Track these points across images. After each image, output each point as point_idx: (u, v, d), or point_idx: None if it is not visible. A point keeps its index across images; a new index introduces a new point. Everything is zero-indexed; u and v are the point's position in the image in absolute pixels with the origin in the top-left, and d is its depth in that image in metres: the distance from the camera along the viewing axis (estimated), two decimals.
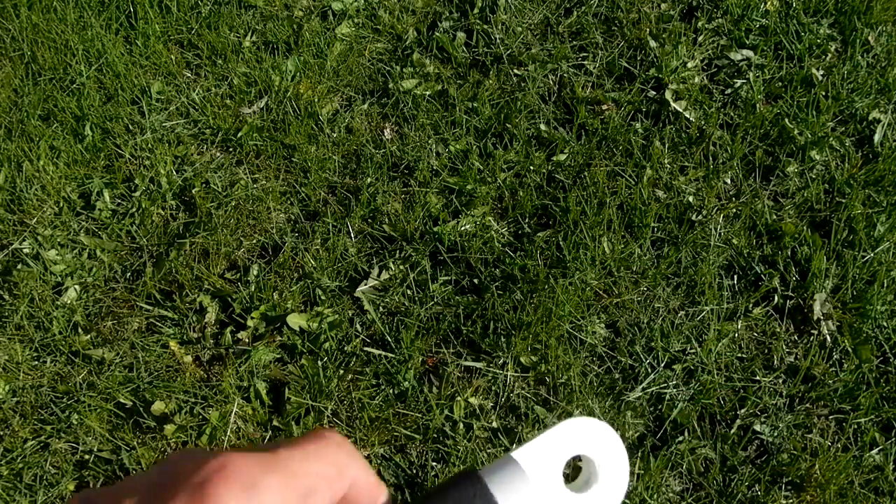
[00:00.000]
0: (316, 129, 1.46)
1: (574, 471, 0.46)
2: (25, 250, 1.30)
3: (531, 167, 1.40)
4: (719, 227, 1.33)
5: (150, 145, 1.43)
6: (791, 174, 1.41)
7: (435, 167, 1.40)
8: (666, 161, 1.42)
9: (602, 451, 0.44)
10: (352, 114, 1.49)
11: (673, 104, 1.48)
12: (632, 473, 1.07)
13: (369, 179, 1.38)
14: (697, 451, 1.10)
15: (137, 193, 1.36)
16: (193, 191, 1.36)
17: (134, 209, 1.35)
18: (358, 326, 1.22)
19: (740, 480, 1.07)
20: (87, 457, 1.10)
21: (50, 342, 1.20)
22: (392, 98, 1.50)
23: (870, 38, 1.59)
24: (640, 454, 1.08)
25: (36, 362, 1.19)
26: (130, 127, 1.45)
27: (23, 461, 1.09)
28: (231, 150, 1.44)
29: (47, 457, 1.10)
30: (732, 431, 1.12)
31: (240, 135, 1.43)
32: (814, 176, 1.40)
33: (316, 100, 1.48)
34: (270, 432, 1.11)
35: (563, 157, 1.42)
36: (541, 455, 0.44)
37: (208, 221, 1.33)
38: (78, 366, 1.18)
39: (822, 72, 1.55)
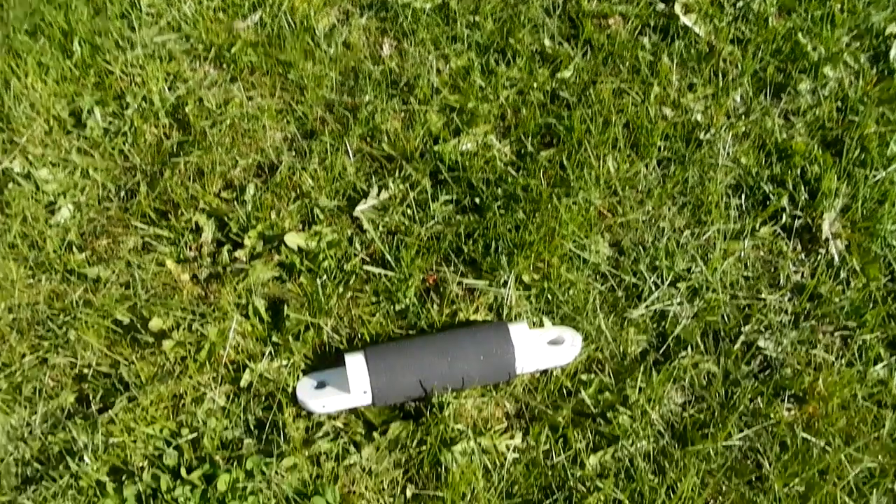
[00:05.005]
0: (312, 44, 1.41)
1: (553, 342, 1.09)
2: (16, 169, 1.27)
3: (535, 84, 1.35)
4: (727, 145, 1.30)
5: (140, 62, 1.38)
6: (803, 91, 1.36)
7: (435, 84, 1.36)
8: (674, 78, 1.37)
9: (568, 335, 1.10)
10: (349, 28, 1.43)
11: (682, 18, 1.42)
12: (633, 387, 1.06)
13: (368, 97, 1.34)
14: (700, 365, 1.09)
15: (129, 111, 1.32)
16: (187, 109, 1.32)
17: (126, 127, 1.31)
18: (357, 245, 1.20)
19: (742, 393, 1.06)
20: (85, 371, 1.09)
21: (44, 261, 1.19)
22: (391, 11, 1.44)
23: None
24: (642, 368, 1.08)
25: (31, 280, 1.17)
26: (120, 42, 1.40)
27: (21, 375, 1.08)
28: (225, 66, 1.40)
29: (46, 371, 1.09)
30: (736, 347, 1.11)
31: (233, 50, 1.38)
32: (826, 93, 1.36)
33: (312, 13, 1.42)
34: (270, 347, 1.10)
35: (567, 73, 1.37)
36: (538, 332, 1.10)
37: (203, 140, 1.30)
38: (74, 284, 1.17)
39: None
